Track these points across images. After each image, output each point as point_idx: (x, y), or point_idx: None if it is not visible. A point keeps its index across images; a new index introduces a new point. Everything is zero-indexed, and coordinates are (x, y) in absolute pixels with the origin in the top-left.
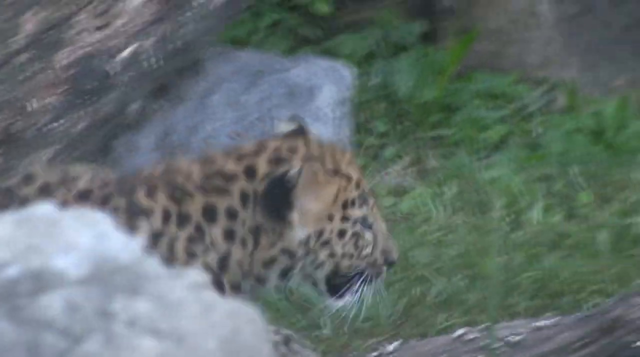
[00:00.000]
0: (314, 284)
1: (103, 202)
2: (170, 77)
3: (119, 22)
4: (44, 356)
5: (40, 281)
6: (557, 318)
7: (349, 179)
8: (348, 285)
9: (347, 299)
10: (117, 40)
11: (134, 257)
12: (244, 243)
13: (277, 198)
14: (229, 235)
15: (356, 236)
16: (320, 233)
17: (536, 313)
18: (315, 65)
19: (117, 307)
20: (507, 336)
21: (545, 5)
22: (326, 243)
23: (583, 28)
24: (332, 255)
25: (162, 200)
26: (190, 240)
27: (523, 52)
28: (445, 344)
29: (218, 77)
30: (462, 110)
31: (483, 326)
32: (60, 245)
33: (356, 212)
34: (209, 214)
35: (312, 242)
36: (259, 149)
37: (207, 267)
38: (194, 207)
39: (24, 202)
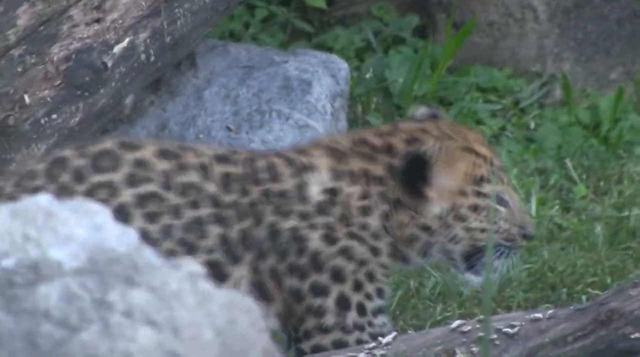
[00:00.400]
0: (452, 259)
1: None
2: (164, 71)
3: (112, 16)
4: (41, 346)
5: (37, 272)
6: (553, 310)
7: (480, 156)
8: (482, 260)
9: (484, 274)
10: (111, 34)
11: (131, 248)
12: (394, 210)
13: (415, 174)
14: (384, 197)
15: (489, 210)
16: (454, 208)
17: (532, 305)
18: (310, 58)
19: (113, 297)
20: (503, 328)
21: None
22: (461, 217)
23: (578, 21)
24: (467, 229)
25: (322, 157)
26: (363, 196)
27: (518, 46)
28: (442, 335)
29: (212, 71)
30: (456, 104)
31: (479, 318)
32: (57, 236)
33: (488, 188)
34: (367, 176)
35: (447, 217)
36: (394, 129)
37: (379, 227)
38: (355, 167)
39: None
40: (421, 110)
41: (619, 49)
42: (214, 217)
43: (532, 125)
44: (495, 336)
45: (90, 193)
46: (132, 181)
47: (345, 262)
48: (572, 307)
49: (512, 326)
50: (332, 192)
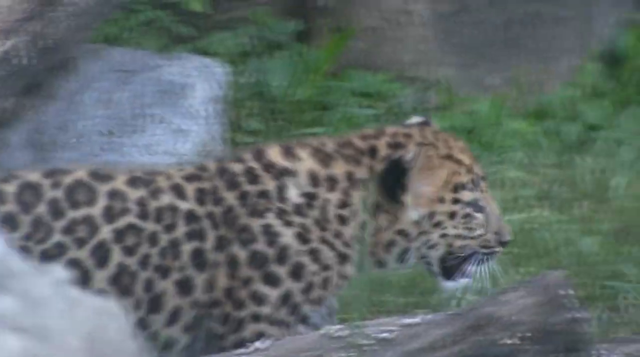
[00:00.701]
0: (429, 264)
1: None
2: (42, 74)
3: None
4: None
5: None
6: (426, 315)
7: (460, 164)
8: (461, 267)
9: (461, 281)
10: None
11: None
12: (373, 216)
13: (393, 180)
14: (365, 203)
15: (467, 217)
16: (432, 214)
17: (407, 310)
18: (189, 63)
19: None
20: (376, 333)
21: (420, 4)
22: (438, 224)
23: (458, 26)
24: (444, 235)
25: (306, 160)
26: (341, 205)
27: (397, 51)
28: (314, 340)
29: (90, 75)
30: (336, 109)
31: (352, 323)
32: None
33: (467, 195)
34: (351, 179)
35: (424, 223)
36: (379, 133)
37: (352, 237)
38: (338, 170)
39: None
40: (414, 119)
41: (497, 54)
42: (187, 235)
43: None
44: (368, 341)
45: (69, 230)
46: (110, 214)
47: (309, 263)
48: (445, 313)
49: (387, 331)
50: (310, 197)
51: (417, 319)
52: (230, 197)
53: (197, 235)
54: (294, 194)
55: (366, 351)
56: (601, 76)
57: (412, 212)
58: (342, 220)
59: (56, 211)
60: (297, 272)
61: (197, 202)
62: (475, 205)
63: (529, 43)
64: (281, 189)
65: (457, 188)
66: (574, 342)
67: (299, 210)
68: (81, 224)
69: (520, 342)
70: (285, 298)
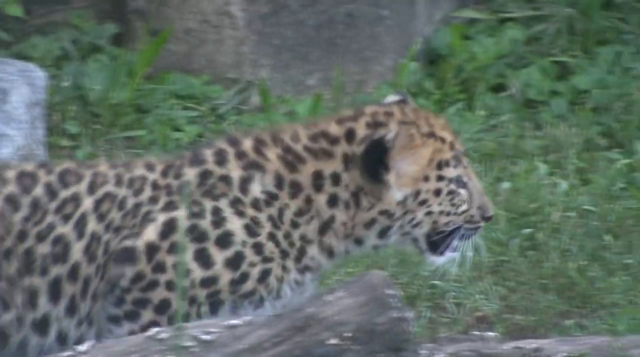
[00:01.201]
0: (414, 240)
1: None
2: None
3: None
4: None
5: None
6: (250, 317)
7: (443, 141)
8: (447, 242)
9: (448, 255)
10: None
11: None
12: (347, 206)
13: (375, 160)
14: (333, 201)
15: (452, 194)
16: (417, 193)
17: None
18: (7, 67)
19: None
20: (199, 335)
21: (237, 6)
22: (423, 202)
23: (275, 28)
24: (429, 213)
25: (274, 162)
26: (299, 213)
27: (215, 53)
28: (138, 343)
29: None
30: (154, 112)
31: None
32: None
33: (451, 172)
34: (317, 181)
35: (409, 202)
36: (358, 114)
37: (304, 237)
38: (305, 174)
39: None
40: (391, 97)
41: (316, 55)
42: (149, 199)
43: (230, 131)
44: (192, 343)
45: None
46: (92, 188)
47: (250, 255)
48: (269, 314)
49: (210, 333)
50: (271, 196)
51: (239, 321)
52: (191, 173)
53: (153, 200)
54: (257, 189)
55: (190, 353)
56: (422, 75)
57: (396, 193)
58: (295, 225)
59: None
60: (234, 262)
61: (162, 174)
62: (459, 181)
63: (349, 43)
64: (246, 180)
65: (441, 165)
66: (398, 341)
67: (256, 204)
68: (69, 201)
69: (345, 342)
70: (209, 282)
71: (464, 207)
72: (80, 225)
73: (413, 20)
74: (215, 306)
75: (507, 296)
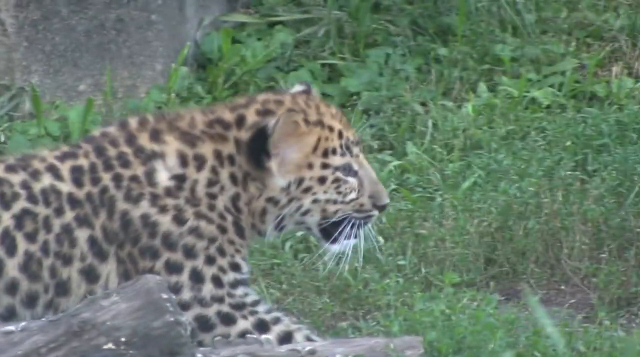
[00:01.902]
0: (309, 229)
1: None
2: None
3: None
4: None
5: None
6: (25, 322)
7: (331, 129)
8: (340, 229)
9: (343, 243)
10: None
11: None
12: (244, 188)
13: (258, 147)
14: (234, 178)
15: (337, 181)
16: (300, 180)
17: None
18: None
19: None
20: None
21: (7, 12)
22: (307, 189)
23: (46, 33)
24: (315, 201)
25: (173, 142)
26: (209, 184)
27: None
28: None
29: None
30: None
31: None
32: None
33: (337, 160)
34: (219, 158)
35: (293, 189)
36: (250, 101)
37: (225, 208)
38: (207, 149)
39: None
40: (296, 87)
41: (87, 60)
42: (77, 221)
43: (2, 138)
44: None
45: None
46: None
47: (195, 241)
48: (44, 319)
49: None
50: (179, 179)
51: (14, 327)
52: (106, 178)
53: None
54: (164, 177)
55: None
56: (192, 79)
57: (279, 179)
58: (212, 196)
59: None
60: (189, 252)
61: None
62: (346, 169)
63: (120, 48)
64: (150, 174)
65: (327, 153)
66: (174, 345)
67: (169, 192)
68: None
69: (121, 347)
70: (196, 275)
71: (352, 195)
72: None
73: (183, 24)
74: (230, 284)
75: (281, 298)
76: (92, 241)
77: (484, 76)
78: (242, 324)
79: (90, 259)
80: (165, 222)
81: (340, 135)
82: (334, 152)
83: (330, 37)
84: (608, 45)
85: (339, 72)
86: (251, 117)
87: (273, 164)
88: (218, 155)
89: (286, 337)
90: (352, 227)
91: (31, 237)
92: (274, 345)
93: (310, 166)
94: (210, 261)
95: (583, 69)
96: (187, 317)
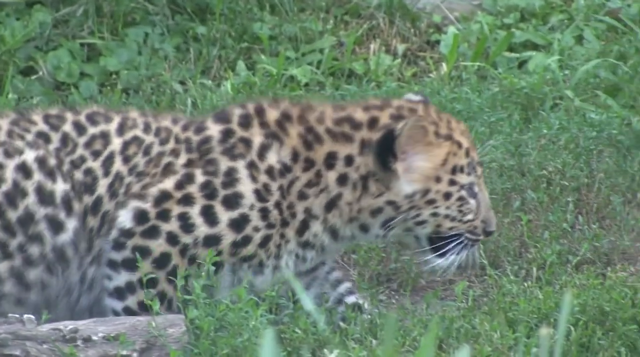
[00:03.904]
0: (417, 238)
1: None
2: None
3: None
4: None
5: None
6: None
7: (460, 146)
8: (450, 246)
9: (450, 258)
10: None
11: None
12: (354, 187)
13: (386, 148)
14: (343, 179)
15: (461, 200)
16: (426, 191)
17: None
18: None
19: None
20: None
21: None
22: (431, 202)
23: None
24: (435, 215)
25: (294, 137)
26: (308, 184)
27: None
28: None
29: None
30: None
31: None
32: None
33: (464, 179)
34: (330, 161)
35: (417, 198)
36: (385, 105)
37: (309, 210)
38: (320, 153)
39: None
40: (412, 96)
41: None
42: (170, 151)
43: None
44: None
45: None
46: (121, 130)
47: (255, 219)
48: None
49: None
50: (285, 168)
51: None
52: (214, 129)
53: (173, 153)
54: (273, 158)
55: None
56: None
57: (404, 184)
58: (302, 196)
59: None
60: (239, 223)
61: (182, 128)
62: (470, 190)
63: None
64: (265, 147)
65: (455, 170)
66: None
67: (270, 171)
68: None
69: None
70: (211, 240)
71: (470, 216)
72: (108, 163)
73: None
74: (215, 266)
75: None
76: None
77: (243, 54)
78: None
79: None
80: (248, 185)
81: (467, 153)
82: (461, 170)
83: (89, 16)
84: (366, 23)
85: (98, 51)
86: (384, 119)
87: (399, 167)
88: (331, 157)
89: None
90: (460, 245)
91: (126, 159)
92: (36, 324)
93: (438, 180)
94: (241, 244)
95: (341, 47)
96: (158, 245)
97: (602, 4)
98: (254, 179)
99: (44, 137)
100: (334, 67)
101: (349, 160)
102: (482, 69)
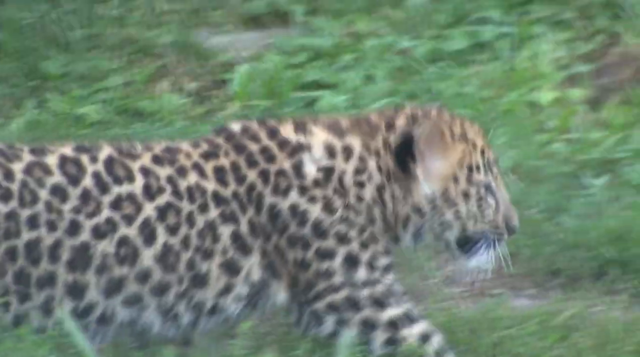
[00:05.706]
0: (447, 244)
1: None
2: None
3: None
4: None
5: None
6: None
7: (475, 145)
8: (477, 247)
9: (481, 259)
10: None
11: None
12: (388, 178)
13: (405, 151)
14: (380, 169)
15: (480, 200)
16: (445, 192)
17: None
18: None
19: None
20: None
21: None
22: (451, 203)
23: None
24: (457, 215)
25: (320, 134)
26: (357, 172)
27: None
28: None
29: None
30: None
31: None
32: None
33: (481, 178)
34: (368, 148)
35: (437, 200)
36: (398, 111)
37: (373, 199)
38: (356, 141)
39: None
40: (429, 104)
41: None
42: (221, 218)
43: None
44: None
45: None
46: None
47: (346, 229)
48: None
49: None
50: (327, 171)
51: None
52: (252, 175)
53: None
54: (312, 170)
55: None
56: None
57: (424, 186)
58: (360, 184)
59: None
60: (342, 238)
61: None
62: (488, 188)
63: None
64: (298, 166)
65: (471, 168)
66: None
67: (318, 183)
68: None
69: None
70: (350, 259)
71: (491, 214)
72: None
73: None
74: (383, 269)
75: None
76: (236, 236)
77: (34, 93)
78: (391, 311)
79: (232, 252)
80: (314, 210)
81: (482, 152)
82: (477, 168)
83: None
84: (156, 62)
85: None
86: (400, 122)
87: (418, 169)
88: (367, 147)
89: (424, 338)
90: (487, 244)
91: (172, 230)
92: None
93: (455, 180)
94: (363, 246)
95: (133, 85)
96: (325, 300)
97: (393, 44)
98: (312, 199)
99: None
100: (123, 105)
101: (378, 153)
102: (272, 108)
